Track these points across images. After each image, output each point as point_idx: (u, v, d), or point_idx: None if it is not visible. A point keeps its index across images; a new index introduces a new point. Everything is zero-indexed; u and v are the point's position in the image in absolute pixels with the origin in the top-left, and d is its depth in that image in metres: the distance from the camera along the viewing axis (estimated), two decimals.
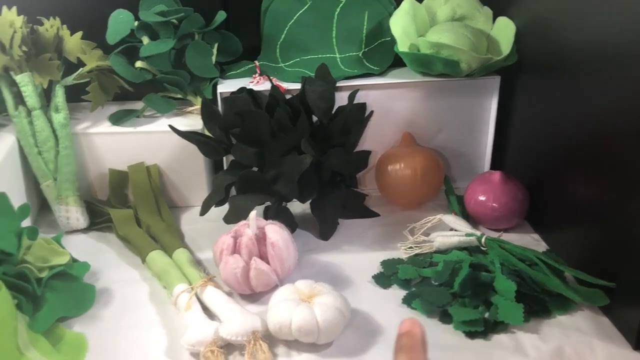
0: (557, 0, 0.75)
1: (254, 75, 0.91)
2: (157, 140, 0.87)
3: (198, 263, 0.77)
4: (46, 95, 0.85)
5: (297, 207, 0.88)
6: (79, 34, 0.85)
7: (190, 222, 0.88)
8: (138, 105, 0.91)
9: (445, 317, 0.67)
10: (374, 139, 0.91)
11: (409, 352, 0.38)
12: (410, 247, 0.79)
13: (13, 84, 0.83)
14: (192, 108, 0.90)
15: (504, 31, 0.88)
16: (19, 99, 0.83)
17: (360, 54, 0.93)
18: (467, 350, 0.63)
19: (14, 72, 0.82)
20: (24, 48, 0.80)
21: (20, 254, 0.68)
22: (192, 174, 0.89)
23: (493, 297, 0.68)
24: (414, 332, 0.41)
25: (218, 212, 0.82)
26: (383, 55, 0.92)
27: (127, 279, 0.76)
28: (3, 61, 0.80)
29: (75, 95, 0.88)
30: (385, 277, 0.74)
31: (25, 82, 0.81)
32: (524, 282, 0.69)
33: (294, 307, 0.63)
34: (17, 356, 0.58)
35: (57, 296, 0.68)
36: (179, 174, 0.89)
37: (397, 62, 0.91)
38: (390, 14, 0.91)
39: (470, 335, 0.65)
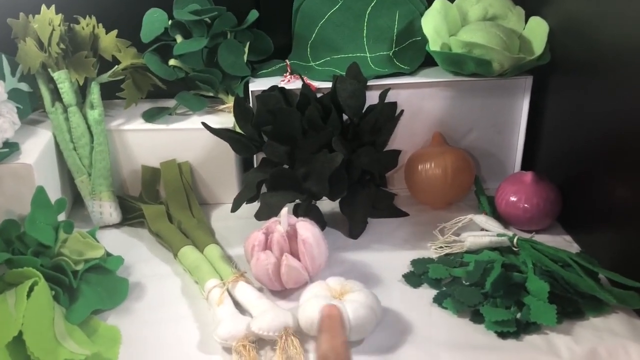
0: None
1: (284, 74, 0.91)
2: (189, 137, 0.88)
3: (229, 259, 0.77)
4: (81, 93, 0.87)
5: (325, 205, 0.88)
6: (114, 32, 0.87)
7: (220, 218, 0.89)
8: (170, 103, 0.93)
9: (476, 317, 0.67)
10: (404, 138, 0.91)
11: (329, 331, 0.43)
12: (441, 247, 0.79)
13: (50, 81, 0.85)
14: (223, 106, 0.91)
15: (537, 31, 0.87)
16: (56, 95, 0.85)
17: (390, 54, 0.93)
18: (498, 351, 0.63)
19: (51, 69, 0.83)
20: (62, 46, 0.82)
21: (57, 247, 0.70)
22: (222, 171, 0.90)
23: (525, 298, 0.67)
24: (333, 314, 0.47)
25: (248, 209, 0.83)
26: (414, 55, 0.92)
27: (159, 273, 0.77)
28: (41, 58, 0.82)
29: (109, 92, 0.89)
30: (416, 276, 0.74)
31: (63, 79, 0.83)
32: (557, 283, 0.68)
33: (326, 303, 0.63)
34: (55, 346, 0.60)
35: (92, 289, 0.69)
36: (209, 172, 0.90)
37: (428, 61, 0.91)
38: (422, 14, 0.91)
39: (502, 335, 0.64)
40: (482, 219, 0.80)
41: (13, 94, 0.82)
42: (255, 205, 0.81)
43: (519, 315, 0.66)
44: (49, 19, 0.81)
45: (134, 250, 0.81)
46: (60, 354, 0.59)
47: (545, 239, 0.79)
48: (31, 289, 0.62)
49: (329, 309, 0.54)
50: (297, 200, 0.84)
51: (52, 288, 0.65)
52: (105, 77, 0.86)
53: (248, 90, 0.88)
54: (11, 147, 0.77)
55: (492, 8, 0.90)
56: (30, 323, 0.59)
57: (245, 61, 0.91)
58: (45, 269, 0.66)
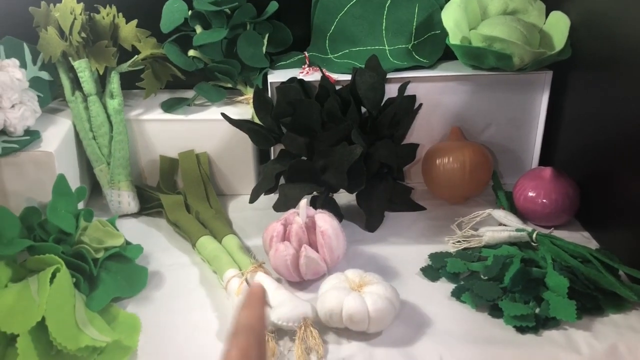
0: None
1: (303, 66, 0.91)
2: (207, 128, 0.88)
3: (247, 249, 0.77)
4: (101, 82, 0.87)
5: (342, 198, 0.88)
6: (134, 22, 0.87)
7: (237, 209, 0.89)
8: (189, 93, 0.93)
9: (494, 312, 0.67)
10: (422, 132, 0.91)
11: (249, 306, 0.44)
12: (459, 241, 0.78)
13: (70, 70, 0.85)
14: (241, 97, 0.91)
15: (558, 25, 0.87)
16: (76, 84, 0.85)
17: (409, 47, 0.92)
18: (517, 345, 0.63)
19: (72, 58, 0.84)
20: (83, 35, 0.82)
21: (77, 235, 0.70)
22: (240, 162, 0.90)
23: (544, 293, 0.67)
24: (254, 291, 0.47)
25: (265, 200, 0.83)
26: (433, 48, 0.92)
27: (178, 262, 0.77)
28: (62, 47, 0.82)
29: (128, 82, 0.90)
30: (434, 270, 0.74)
31: (83, 68, 0.83)
32: (577, 279, 0.68)
33: (345, 295, 0.63)
34: (77, 332, 0.60)
35: (111, 277, 0.69)
36: (227, 163, 0.91)
37: (447, 55, 0.91)
38: (441, 7, 0.90)
39: (521, 330, 0.64)
40: (500, 214, 0.79)
41: (34, 83, 0.82)
42: (272, 196, 0.82)
43: (537, 310, 0.66)
44: (70, 7, 0.81)
45: (152, 240, 0.81)
46: (81, 340, 0.59)
47: (563, 235, 0.79)
48: (53, 276, 0.62)
49: (253, 285, 0.52)
50: (315, 193, 0.84)
51: (73, 275, 0.65)
52: (125, 67, 0.87)
53: (267, 82, 0.88)
54: (32, 135, 0.78)
55: (513, 2, 0.90)
56: (53, 309, 0.59)
57: (264, 53, 0.91)
58: (66, 256, 0.66)
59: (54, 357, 0.60)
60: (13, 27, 0.83)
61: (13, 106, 0.76)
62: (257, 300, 0.47)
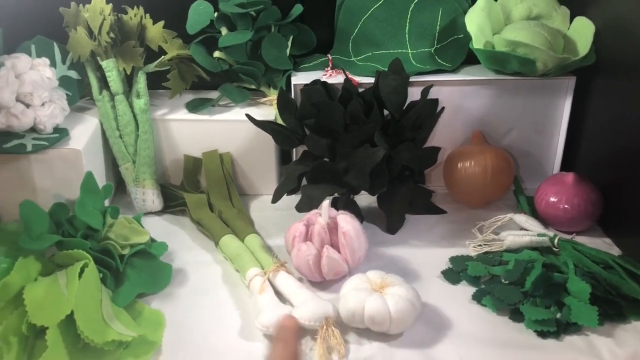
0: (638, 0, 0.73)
1: (326, 68, 0.92)
2: (230, 128, 0.89)
3: (269, 249, 0.78)
4: (127, 81, 0.88)
5: (362, 200, 0.89)
6: (161, 23, 0.88)
7: (259, 209, 0.90)
8: (213, 94, 0.94)
9: (515, 315, 0.67)
10: (443, 135, 0.91)
11: (284, 342, 0.46)
12: (480, 245, 0.79)
13: (98, 69, 0.86)
14: (264, 99, 0.92)
15: (582, 31, 0.87)
16: (103, 83, 0.86)
17: (432, 50, 0.93)
18: (538, 350, 0.63)
19: (100, 58, 0.85)
20: (112, 35, 0.84)
21: (104, 231, 0.72)
22: (262, 163, 0.91)
23: (566, 299, 0.67)
24: (289, 326, 0.50)
25: (286, 200, 0.84)
26: (455, 52, 0.92)
27: (201, 260, 0.78)
28: (91, 47, 0.84)
29: (153, 82, 0.91)
30: (455, 273, 0.75)
31: (111, 67, 0.85)
32: (599, 285, 0.68)
33: (366, 296, 0.64)
34: (104, 326, 0.61)
35: (137, 273, 0.71)
36: (249, 163, 0.92)
37: (469, 59, 0.91)
38: (465, 11, 0.91)
39: (542, 334, 0.64)
40: (522, 219, 0.80)
41: (63, 81, 0.84)
42: (294, 197, 0.82)
43: (558, 316, 0.66)
44: (99, 8, 0.83)
45: (175, 238, 0.82)
46: (108, 334, 0.60)
47: (585, 241, 0.79)
48: (82, 271, 0.63)
49: (286, 320, 0.57)
50: (336, 194, 0.85)
51: (99, 271, 0.67)
52: (152, 67, 0.88)
53: (290, 84, 0.88)
54: (61, 133, 0.79)
55: (537, 7, 0.90)
56: (81, 303, 0.61)
57: (288, 55, 0.92)
58: (93, 252, 0.67)
59: (80, 350, 0.61)
60: (44, 26, 0.84)
61: (43, 104, 0.78)
62: (291, 334, 0.49)
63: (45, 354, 0.58)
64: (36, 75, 0.77)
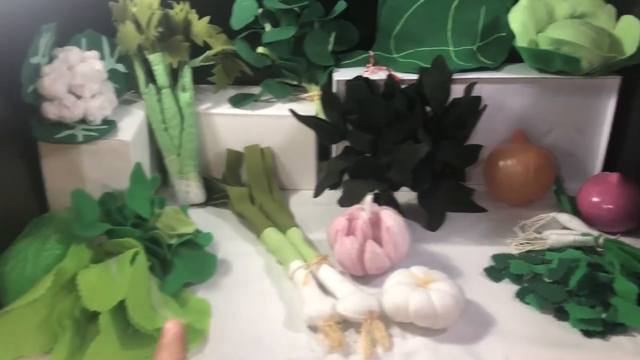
0: None
1: (367, 65, 0.92)
2: (272, 123, 0.90)
3: (310, 242, 0.79)
4: (172, 75, 0.90)
5: (401, 197, 0.89)
6: (206, 18, 0.89)
7: (298, 204, 0.91)
8: (255, 89, 0.95)
9: (560, 314, 0.67)
10: (484, 133, 0.91)
11: (169, 349, 0.48)
12: (522, 243, 0.78)
13: (144, 63, 0.88)
14: (305, 94, 0.93)
15: (629, 30, 0.86)
16: (149, 77, 0.88)
17: (474, 48, 0.93)
18: (584, 349, 0.63)
19: (147, 52, 0.87)
20: (159, 29, 0.85)
21: (152, 221, 0.73)
22: (302, 158, 0.92)
23: (612, 299, 0.67)
24: (175, 332, 0.51)
25: (325, 195, 0.85)
26: (498, 50, 0.92)
27: (243, 252, 0.79)
28: (139, 40, 0.86)
29: (197, 77, 0.92)
30: (497, 270, 0.74)
31: (158, 61, 0.86)
32: None
33: (411, 291, 0.64)
34: (153, 313, 0.63)
35: (184, 262, 0.72)
36: (289, 158, 0.92)
37: (511, 57, 0.91)
38: (508, 10, 0.91)
39: (588, 334, 0.64)
40: (565, 218, 0.79)
41: (111, 74, 0.86)
42: (332, 192, 0.83)
43: (604, 315, 0.65)
44: (148, 2, 0.85)
45: (218, 229, 0.83)
46: (157, 321, 0.62)
47: (629, 242, 0.78)
48: (133, 259, 0.65)
49: (174, 325, 0.55)
50: (377, 190, 0.85)
51: (148, 259, 0.68)
52: (198, 62, 0.90)
53: (331, 80, 0.89)
54: (110, 125, 0.81)
55: (581, 6, 0.89)
56: (132, 290, 0.62)
57: (330, 51, 0.92)
58: (143, 241, 0.69)
59: (130, 336, 0.63)
60: (93, 20, 0.86)
61: (93, 96, 0.80)
62: (177, 341, 0.49)
63: (98, 338, 0.60)
64: (87, 68, 0.79)
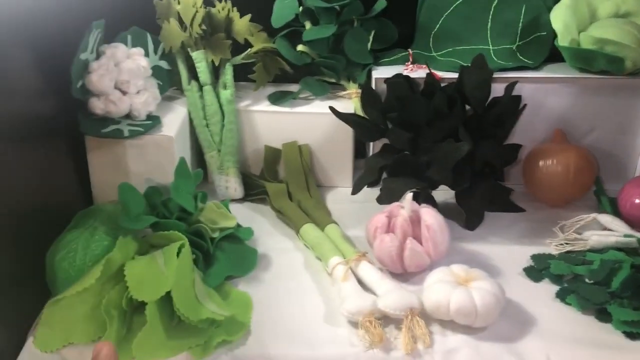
0: None
1: (406, 63, 0.93)
2: (310, 121, 0.91)
3: (349, 239, 0.80)
4: (214, 73, 0.91)
5: (438, 196, 0.89)
6: (248, 16, 0.90)
7: (335, 201, 0.92)
8: (293, 87, 0.96)
9: (602, 316, 0.67)
10: (523, 133, 0.90)
11: None
12: (562, 244, 0.78)
13: (187, 60, 0.90)
14: (344, 92, 0.94)
15: None
16: (192, 74, 0.90)
17: (514, 47, 0.92)
18: (627, 351, 0.62)
19: (190, 49, 0.88)
20: (203, 27, 0.87)
21: (196, 215, 0.75)
22: (339, 156, 0.93)
23: None
24: (106, 354, 0.51)
25: (363, 193, 0.85)
26: (538, 50, 0.91)
27: (283, 247, 0.80)
28: (182, 38, 0.87)
29: (237, 74, 0.93)
30: (537, 270, 0.74)
31: (200, 58, 0.88)
32: None
33: (452, 288, 0.65)
34: (198, 305, 0.64)
35: (226, 256, 0.73)
36: (327, 155, 0.93)
37: (551, 56, 0.90)
38: (549, 9, 0.90)
39: (631, 335, 0.64)
40: (607, 219, 0.78)
41: (154, 71, 0.88)
42: (369, 190, 0.83)
43: None
44: (192, 1, 0.86)
45: (257, 224, 0.84)
46: (202, 313, 0.63)
47: None
48: (179, 251, 0.66)
49: (104, 346, 0.54)
50: (416, 188, 0.86)
51: (192, 252, 0.70)
52: (239, 59, 0.91)
53: (370, 78, 0.90)
54: (154, 120, 0.83)
55: (625, 5, 0.88)
56: (178, 282, 0.64)
57: (369, 49, 0.93)
58: (187, 234, 0.70)
59: (175, 327, 0.64)
60: (138, 18, 0.88)
61: (138, 92, 0.82)
62: None
63: (145, 328, 0.62)
64: (132, 64, 0.81)
